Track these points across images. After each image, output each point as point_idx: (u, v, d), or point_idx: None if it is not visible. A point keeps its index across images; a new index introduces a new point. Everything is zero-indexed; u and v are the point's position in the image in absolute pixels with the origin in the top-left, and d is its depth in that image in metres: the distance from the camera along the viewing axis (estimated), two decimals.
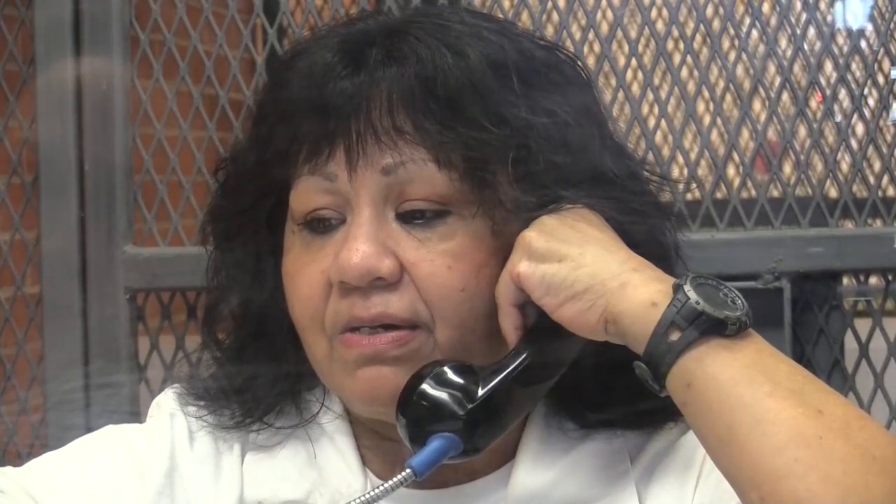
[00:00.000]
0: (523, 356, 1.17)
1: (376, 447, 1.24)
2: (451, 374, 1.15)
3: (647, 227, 1.20)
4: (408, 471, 1.12)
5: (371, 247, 1.16)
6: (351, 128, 1.16)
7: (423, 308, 1.17)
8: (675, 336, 1.09)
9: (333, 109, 1.17)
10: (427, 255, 1.17)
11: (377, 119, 1.16)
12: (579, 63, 1.25)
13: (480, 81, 1.17)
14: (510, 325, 1.17)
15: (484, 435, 1.15)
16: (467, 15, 1.22)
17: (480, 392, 1.15)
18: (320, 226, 1.19)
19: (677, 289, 1.10)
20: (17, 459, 1.29)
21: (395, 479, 1.12)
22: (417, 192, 1.17)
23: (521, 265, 1.15)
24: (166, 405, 1.28)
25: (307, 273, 1.19)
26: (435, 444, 1.13)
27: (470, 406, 1.15)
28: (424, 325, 1.17)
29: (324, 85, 1.18)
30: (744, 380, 1.07)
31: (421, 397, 1.15)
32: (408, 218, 1.18)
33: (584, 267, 1.14)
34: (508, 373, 1.16)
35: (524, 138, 1.17)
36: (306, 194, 1.19)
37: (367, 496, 1.11)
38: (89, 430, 1.29)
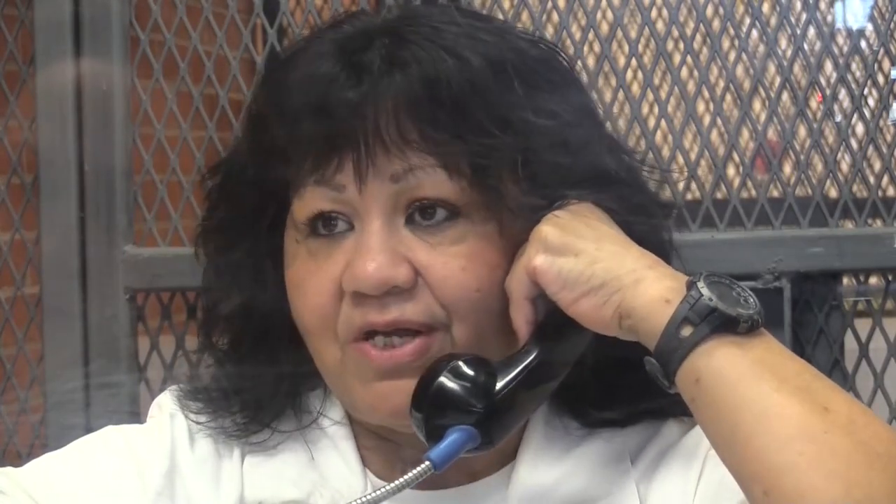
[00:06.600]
0: (537, 350, 1.16)
1: (376, 447, 1.24)
2: (466, 368, 1.15)
3: (649, 225, 1.21)
4: (426, 464, 1.11)
5: (385, 256, 1.16)
6: (359, 139, 1.16)
7: (439, 310, 1.16)
8: (686, 332, 1.09)
9: (339, 120, 1.16)
10: (440, 257, 1.16)
11: (384, 129, 1.15)
12: (562, 55, 1.24)
13: (483, 85, 1.17)
14: (522, 319, 1.17)
15: (501, 427, 1.15)
16: (458, 15, 1.21)
17: (498, 385, 1.15)
18: (325, 228, 1.18)
19: (691, 286, 1.11)
20: (17, 459, 1.29)
21: (413, 472, 1.11)
22: (427, 195, 1.16)
23: (537, 259, 1.15)
24: (167, 406, 1.28)
25: (316, 281, 1.18)
26: (454, 437, 1.12)
27: (487, 399, 1.14)
28: (441, 326, 1.17)
29: (327, 95, 1.17)
30: (751, 376, 1.08)
31: (438, 391, 1.14)
32: (418, 222, 1.17)
33: (600, 262, 1.13)
34: (525, 365, 1.16)
35: (529, 142, 1.17)
36: (312, 203, 1.19)
37: (386, 490, 1.10)
38: (89, 430, 1.29)
